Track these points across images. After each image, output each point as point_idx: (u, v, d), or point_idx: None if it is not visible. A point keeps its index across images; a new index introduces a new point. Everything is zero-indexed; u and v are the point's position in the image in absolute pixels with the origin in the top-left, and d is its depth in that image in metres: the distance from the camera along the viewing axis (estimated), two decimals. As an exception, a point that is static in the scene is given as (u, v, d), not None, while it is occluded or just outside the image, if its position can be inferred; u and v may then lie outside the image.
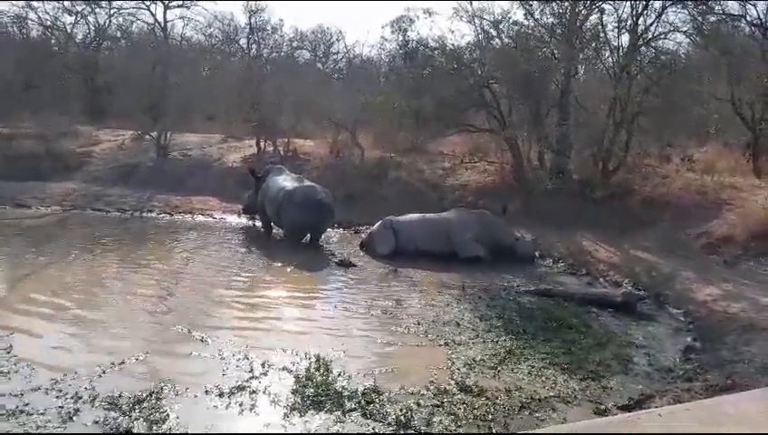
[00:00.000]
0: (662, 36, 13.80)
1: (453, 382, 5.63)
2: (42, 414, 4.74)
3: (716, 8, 13.62)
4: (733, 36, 13.97)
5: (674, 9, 13.53)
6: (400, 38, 16.28)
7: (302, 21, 61.16)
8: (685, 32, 13.95)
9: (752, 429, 2.61)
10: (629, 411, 5.09)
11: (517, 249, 10.98)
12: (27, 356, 5.73)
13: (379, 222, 11.24)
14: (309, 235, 11.40)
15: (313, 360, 5.92)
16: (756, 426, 2.63)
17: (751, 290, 8.30)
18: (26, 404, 4.86)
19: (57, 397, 5.01)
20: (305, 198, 11.06)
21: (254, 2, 25.79)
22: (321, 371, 5.65)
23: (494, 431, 4.88)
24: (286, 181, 11.62)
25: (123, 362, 5.71)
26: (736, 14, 13.85)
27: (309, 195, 11.15)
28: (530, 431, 4.85)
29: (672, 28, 13.70)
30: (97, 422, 4.68)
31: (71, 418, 4.73)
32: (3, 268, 9.04)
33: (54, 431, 4.56)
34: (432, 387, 5.53)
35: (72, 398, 4.99)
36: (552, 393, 5.57)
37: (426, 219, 11.24)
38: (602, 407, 5.36)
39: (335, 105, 17.87)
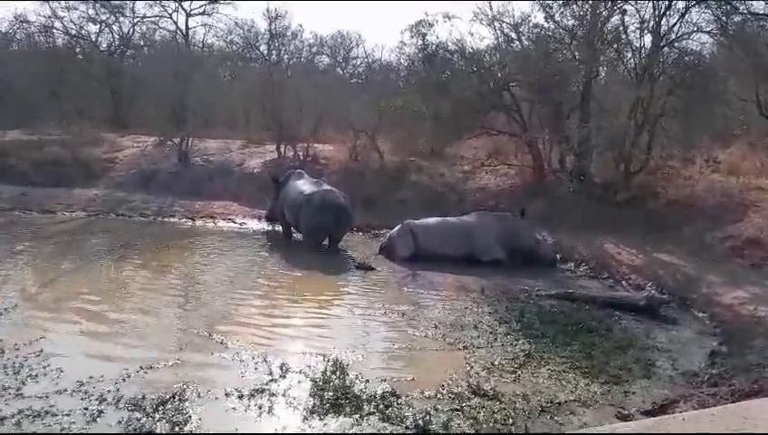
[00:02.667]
0: (685, 37, 13.61)
1: (472, 386, 5.60)
2: (67, 415, 4.83)
3: (741, 8, 13.36)
4: (758, 36, 13.68)
5: (697, 9, 13.35)
6: (419, 42, 16.19)
7: (321, 26, 61.59)
8: (709, 32, 13.73)
9: (778, 434, 2.55)
10: (653, 416, 5.02)
11: (538, 252, 10.89)
12: (55, 359, 5.84)
13: (399, 226, 11.24)
14: (328, 239, 11.44)
15: (330, 363, 5.94)
16: (783, 431, 2.57)
17: (779, 294, 8.12)
18: (52, 405, 4.95)
19: (82, 399, 5.10)
20: (323, 202, 11.11)
21: (274, 1, 25.98)
22: (338, 374, 5.67)
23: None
24: (305, 185, 11.70)
25: (146, 364, 5.78)
26: (762, 13, 13.55)
27: (327, 198, 11.20)
28: (551, 435, 4.80)
29: (696, 28, 13.50)
30: (120, 423, 4.75)
31: (95, 419, 4.81)
32: (31, 273, 9.23)
33: (79, 432, 4.63)
34: (451, 391, 5.51)
35: (96, 399, 5.08)
36: (572, 397, 5.51)
37: (445, 223, 11.20)
38: (625, 411, 5.29)
39: (354, 110, 17.93)
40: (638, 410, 5.34)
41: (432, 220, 11.28)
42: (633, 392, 5.71)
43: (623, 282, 9.76)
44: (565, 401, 5.42)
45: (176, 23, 24.72)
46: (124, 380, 5.46)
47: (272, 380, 5.59)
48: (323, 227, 11.17)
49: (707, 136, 13.64)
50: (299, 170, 12.92)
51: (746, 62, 13.01)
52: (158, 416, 4.85)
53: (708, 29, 13.60)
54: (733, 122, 13.42)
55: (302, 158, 16.76)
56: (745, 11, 13.36)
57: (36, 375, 5.50)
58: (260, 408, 5.08)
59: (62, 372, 5.54)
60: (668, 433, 2.40)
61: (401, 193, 14.72)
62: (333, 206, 11.14)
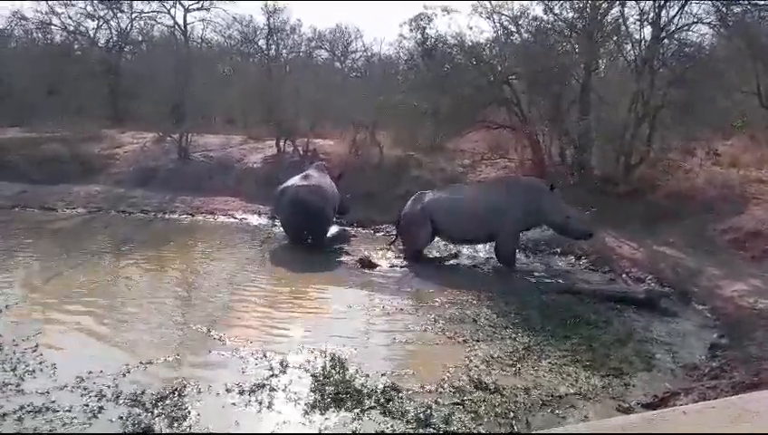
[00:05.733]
0: (685, 28, 13.51)
1: (472, 380, 5.60)
2: (67, 411, 4.84)
3: (741, -2, 13.28)
4: (758, 27, 13.59)
5: (697, 0, 13.29)
6: (418, 36, 16.14)
7: (320, 21, 61.41)
8: (709, 23, 13.65)
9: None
10: (653, 409, 5.01)
11: (567, 228, 10.17)
12: (55, 355, 5.84)
13: (413, 202, 10.60)
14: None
15: (330, 358, 5.93)
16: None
17: (779, 286, 8.10)
18: (53, 401, 4.96)
19: (82, 395, 5.11)
20: (293, 198, 10.82)
21: (272, 1, 25.86)
22: (338, 369, 5.67)
23: (515, 429, 4.84)
24: (292, 180, 11.56)
25: (145, 360, 5.79)
26: (762, 3, 13.46)
27: (299, 195, 10.83)
28: (552, 431, 4.78)
29: (695, 19, 13.39)
30: (121, 419, 4.75)
31: (95, 415, 4.81)
32: (31, 269, 9.23)
33: (80, 428, 4.63)
34: (451, 384, 5.51)
35: (96, 395, 5.08)
36: (573, 391, 5.51)
37: (467, 206, 10.22)
38: (625, 404, 5.29)
39: (354, 104, 17.88)
40: (638, 402, 5.34)
41: (454, 199, 10.41)
42: (634, 385, 5.71)
43: (624, 275, 9.73)
44: (566, 395, 5.42)
45: (174, 18, 24.62)
46: (124, 375, 5.48)
47: (272, 375, 5.59)
48: (290, 222, 10.92)
49: (708, 128, 13.57)
50: (317, 163, 12.74)
51: (746, 53, 12.94)
52: (157, 411, 4.86)
53: (708, 20, 13.51)
54: (733, 114, 13.33)
55: (301, 153, 16.71)
56: (745, 1, 13.28)
57: (34, 371, 5.51)
58: (260, 403, 5.09)
59: (60, 368, 5.55)
60: (669, 431, 2.39)
61: (401, 188, 14.63)
62: (299, 202, 10.75)
